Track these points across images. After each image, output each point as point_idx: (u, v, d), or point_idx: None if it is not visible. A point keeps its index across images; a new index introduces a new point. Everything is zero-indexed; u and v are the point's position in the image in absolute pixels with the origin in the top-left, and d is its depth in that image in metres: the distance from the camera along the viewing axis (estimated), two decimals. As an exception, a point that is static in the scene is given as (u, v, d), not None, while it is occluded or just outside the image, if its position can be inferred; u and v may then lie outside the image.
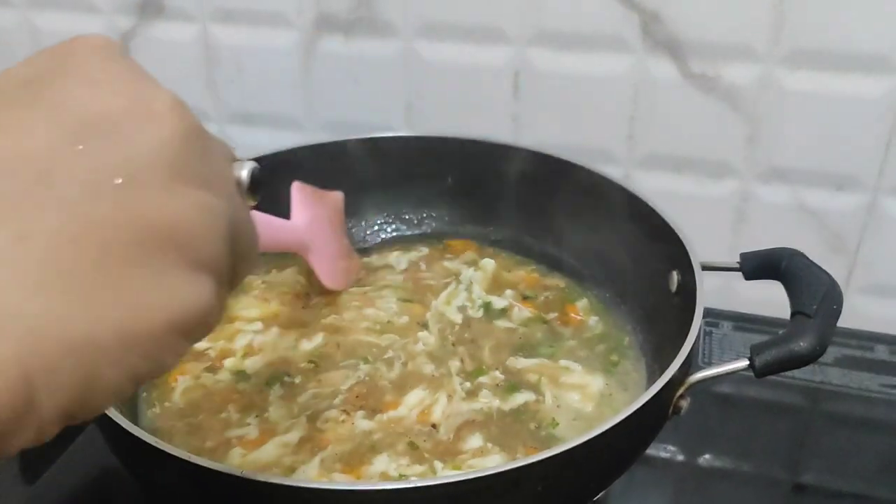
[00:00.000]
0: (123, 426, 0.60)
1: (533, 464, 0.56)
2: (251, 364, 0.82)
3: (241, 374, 0.81)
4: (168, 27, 1.16)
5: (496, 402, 0.76)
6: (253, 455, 0.71)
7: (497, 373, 0.81)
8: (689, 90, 1.01)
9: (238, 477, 0.55)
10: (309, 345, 0.84)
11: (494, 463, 0.69)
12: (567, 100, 1.06)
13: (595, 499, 0.68)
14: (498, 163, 0.96)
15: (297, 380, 0.80)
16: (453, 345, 0.84)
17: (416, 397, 0.77)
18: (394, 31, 1.08)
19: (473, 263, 0.96)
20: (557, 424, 0.74)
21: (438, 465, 0.70)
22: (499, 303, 0.90)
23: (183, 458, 0.57)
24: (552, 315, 0.89)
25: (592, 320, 0.89)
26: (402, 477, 0.69)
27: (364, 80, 1.13)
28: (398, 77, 1.11)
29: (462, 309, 0.89)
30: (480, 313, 0.89)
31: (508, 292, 0.92)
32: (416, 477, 0.68)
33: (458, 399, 0.76)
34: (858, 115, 0.97)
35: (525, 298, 0.92)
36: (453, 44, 1.07)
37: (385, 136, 0.99)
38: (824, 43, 0.95)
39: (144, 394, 0.79)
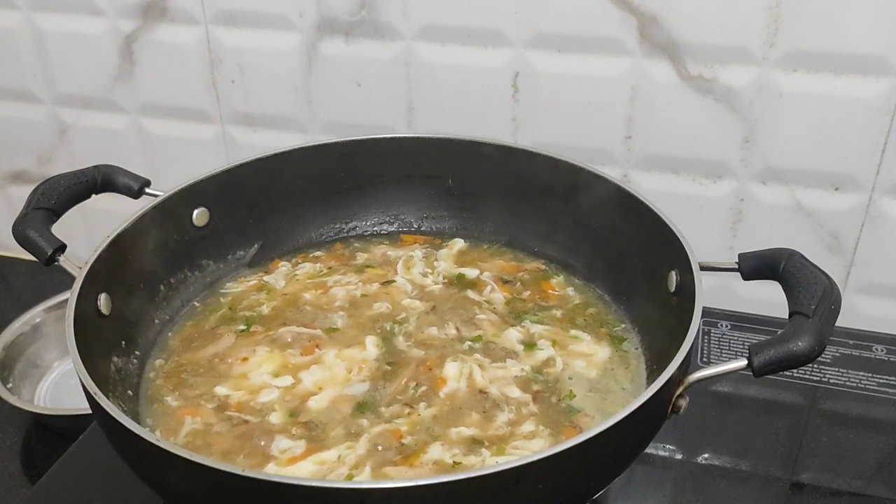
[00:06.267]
0: (128, 426, 0.60)
1: (533, 462, 0.56)
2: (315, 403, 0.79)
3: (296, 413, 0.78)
4: (171, 30, 1.16)
5: (527, 365, 0.82)
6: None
7: (519, 327, 0.86)
8: (686, 92, 1.02)
9: (239, 475, 0.56)
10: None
11: (538, 447, 0.72)
12: (566, 101, 1.07)
13: (595, 497, 0.69)
14: (497, 164, 0.96)
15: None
16: (433, 309, 0.89)
17: (453, 368, 0.81)
18: (394, 33, 1.09)
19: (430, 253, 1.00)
20: (575, 396, 0.79)
21: (486, 452, 0.72)
22: (471, 273, 0.95)
23: (186, 456, 0.57)
24: (526, 293, 0.93)
25: (569, 290, 0.93)
26: (456, 465, 0.70)
27: (365, 81, 1.13)
28: (399, 79, 1.12)
29: (425, 275, 0.95)
30: (441, 280, 0.94)
31: (486, 274, 0.95)
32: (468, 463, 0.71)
33: (488, 366, 0.81)
34: (855, 115, 0.98)
35: (504, 283, 0.94)
36: (453, 46, 1.07)
37: (385, 137, 0.99)
38: (820, 45, 0.95)
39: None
